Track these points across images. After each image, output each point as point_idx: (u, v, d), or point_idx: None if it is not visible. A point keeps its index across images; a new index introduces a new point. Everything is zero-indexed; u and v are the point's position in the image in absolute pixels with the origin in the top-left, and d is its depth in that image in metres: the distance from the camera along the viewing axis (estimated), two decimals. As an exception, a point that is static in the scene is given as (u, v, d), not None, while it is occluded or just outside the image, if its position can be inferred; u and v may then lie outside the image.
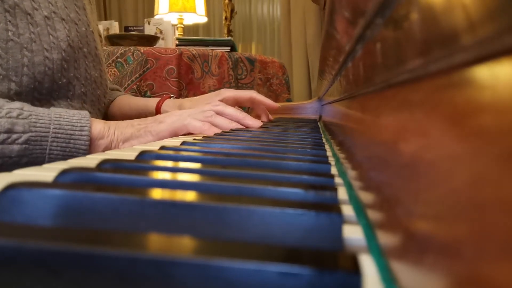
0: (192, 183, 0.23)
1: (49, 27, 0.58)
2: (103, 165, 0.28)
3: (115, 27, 2.00)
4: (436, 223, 0.11)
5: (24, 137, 0.47)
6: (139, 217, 0.18)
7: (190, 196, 0.19)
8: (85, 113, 0.53)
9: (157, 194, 0.20)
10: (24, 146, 0.47)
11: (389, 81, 0.21)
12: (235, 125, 0.66)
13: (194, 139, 0.50)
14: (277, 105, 0.89)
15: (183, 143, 0.45)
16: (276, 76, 1.77)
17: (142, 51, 1.48)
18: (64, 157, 0.50)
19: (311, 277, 0.12)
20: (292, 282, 0.12)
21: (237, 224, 0.17)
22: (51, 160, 0.50)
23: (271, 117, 0.95)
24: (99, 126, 0.54)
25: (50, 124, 0.50)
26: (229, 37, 2.03)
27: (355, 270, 0.13)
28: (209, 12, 3.16)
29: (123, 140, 0.55)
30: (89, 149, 0.52)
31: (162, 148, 0.38)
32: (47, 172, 0.25)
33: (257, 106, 0.89)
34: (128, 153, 0.35)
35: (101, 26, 1.88)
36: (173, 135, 0.57)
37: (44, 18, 0.57)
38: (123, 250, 0.13)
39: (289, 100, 1.80)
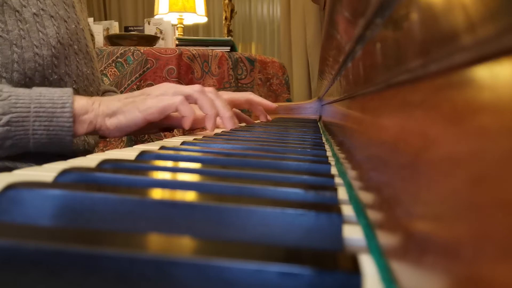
0: (192, 183, 0.23)
1: (38, 24, 0.58)
2: (103, 165, 0.28)
3: (115, 27, 2.00)
4: (436, 223, 0.11)
5: (5, 118, 0.47)
6: (139, 217, 0.18)
7: (190, 196, 0.19)
8: (68, 89, 0.52)
9: (157, 194, 0.20)
10: (6, 128, 0.47)
11: (389, 81, 0.21)
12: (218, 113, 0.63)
13: (194, 139, 0.50)
14: (274, 105, 0.89)
15: (183, 143, 0.45)
16: (276, 76, 1.77)
17: (142, 51, 1.48)
18: (49, 136, 0.49)
19: (311, 277, 0.12)
20: (292, 282, 0.12)
21: (237, 224, 0.17)
22: (36, 140, 0.49)
23: (269, 117, 0.95)
24: (82, 101, 0.52)
25: (31, 103, 0.48)
26: (229, 37, 2.03)
27: (355, 270, 0.13)
28: (209, 12, 3.16)
29: (109, 115, 0.53)
30: (74, 126, 0.51)
31: (162, 148, 0.38)
32: (47, 172, 0.25)
33: (255, 107, 0.89)
34: (128, 153, 0.35)
35: (101, 26, 1.88)
36: (161, 113, 0.55)
37: (32, 15, 0.57)
38: (123, 250, 0.13)
39: (289, 100, 1.80)
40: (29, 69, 0.56)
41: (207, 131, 0.61)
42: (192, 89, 0.58)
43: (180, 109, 0.55)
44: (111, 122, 0.53)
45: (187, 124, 0.56)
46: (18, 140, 0.48)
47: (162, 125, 0.63)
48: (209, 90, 0.63)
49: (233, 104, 0.82)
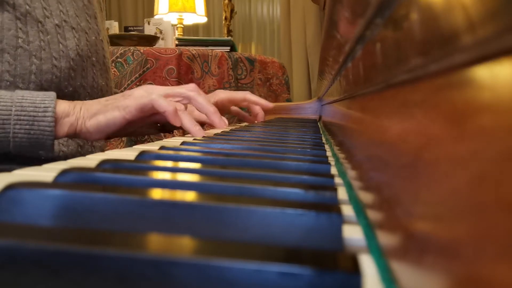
0: (192, 183, 0.23)
1: (59, 35, 0.58)
2: (103, 165, 0.28)
3: (115, 27, 2.00)
4: (436, 223, 0.11)
5: None
6: (139, 217, 0.18)
7: (190, 196, 0.19)
8: (51, 93, 0.51)
9: (157, 194, 0.20)
10: None
11: (389, 81, 0.21)
12: (204, 118, 0.63)
13: (194, 139, 0.50)
14: (271, 105, 0.89)
15: (183, 143, 0.45)
16: (276, 76, 1.77)
17: (142, 51, 1.48)
18: (30, 140, 0.49)
19: (311, 277, 0.12)
20: (292, 282, 0.12)
21: (237, 224, 0.17)
22: (16, 143, 0.49)
23: (270, 107, 0.94)
24: (63, 105, 0.52)
25: (12, 106, 0.48)
26: (229, 37, 2.03)
27: (355, 270, 0.13)
28: (209, 12, 3.16)
29: (89, 117, 0.53)
30: (55, 129, 0.50)
31: (162, 148, 0.38)
32: (47, 172, 0.25)
33: (252, 106, 0.89)
34: (128, 153, 0.35)
35: (101, 26, 1.88)
36: (139, 111, 0.54)
37: (55, 26, 0.57)
38: (123, 250, 0.13)
39: (289, 100, 1.80)
40: (46, 80, 0.56)
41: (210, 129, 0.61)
42: (186, 88, 0.58)
43: (156, 105, 0.54)
44: (90, 124, 0.53)
45: (172, 118, 0.54)
46: None
47: (152, 123, 0.61)
48: (189, 94, 0.61)
49: (230, 102, 0.83)
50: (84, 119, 0.53)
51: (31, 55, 0.55)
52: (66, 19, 0.59)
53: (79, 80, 0.61)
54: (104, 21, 0.77)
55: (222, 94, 0.80)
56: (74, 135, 0.53)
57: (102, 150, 0.71)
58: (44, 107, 0.49)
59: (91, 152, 0.66)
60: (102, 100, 0.56)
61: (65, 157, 0.61)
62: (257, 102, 0.87)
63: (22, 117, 0.48)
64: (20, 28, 0.54)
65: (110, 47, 1.51)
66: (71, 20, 0.60)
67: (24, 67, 0.54)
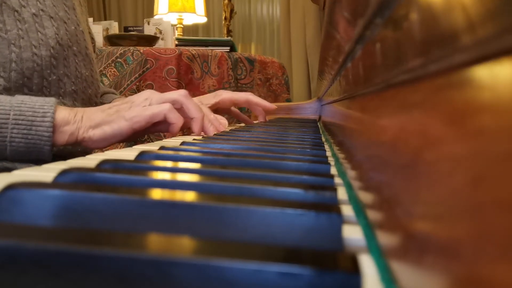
0: (192, 183, 0.23)
1: (37, 24, 0.58)
2: (102, 165, 0.28)
3: (114, 27, 2.00)
4: (435, 224, 0.11)
5: None
6: (138, 217, 0.18)
7: (190, 196, 0.19)
8: (51, 99, 0.51)
9: (156, 194, 0.20)
10: None
11: (388, 81, 0.21)
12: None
13: (194, 139, 0.50)
14: (273, 106, 0.90)
15: (183, 143, 0.45)
16: (276, 76, 1.77)
17: (141, 51, 1.48)
18: (27, 145, 0.48)
19: (311, 277, 0.12)
20: (292, 282, 0.12)
21: (237, 224, 0.17)
22: (13, 148, 0.48)
23: (267, 118, 0.95)
24: (64, 112, 0.51)
25: (10, 110, 0.48)
26: (229, 37, 2.03)
27: (355, 270, 0.13)
28: (208, 12, 3.16)
29: (93, 126, 0.52)
30: (53, 136, 0.50)
31: (162, 148, 0.38)
32: (46, 172, 0.25)
33: (254, 108, 0.90)
34: (128, 153, 0.35)
35: (101, 26, 1.88)
36: (149, 122, 0.54)
37: (32, 15, 0.57)
38: (123, 250, 0.13)
39: (288, 100, 1.80)
40: (27, 68, 0.56)
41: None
42: (177, 95, 0.58)
43: (168, 116, 0.55)
44: (94, 133, 0.52)
45: (175, 131, 0.55)
46: None
47: (148, 132, 0.62)
48: (180, 99, 0.60)
49: (232, 103, 0.83)
50: (86, 128, 0.52)
51: (9, 43, 0.55)
52: (44, 8, 0.59)
53: (61, 69, 0.61)
54: (86, 16, 0.77)
55: (225, 94, 0.80)
56: (74, 143, 0.53)
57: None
58: (43, 112, 0.49)
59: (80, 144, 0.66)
60: (105, 107, 0.55)
61: (57, 149, 0.61)
62: (260, 104, 0.87)
63: (20, 122, 0.48)
64: None
65: (110, 47, 1.52)
66: (48, 9, 0.60)
67: (4, 55, 0.54)
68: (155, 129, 0.61)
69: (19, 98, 0.50)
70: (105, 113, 0.54)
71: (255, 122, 0.94)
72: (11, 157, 0.49)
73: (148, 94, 0.57)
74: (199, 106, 0.60)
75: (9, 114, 0.48)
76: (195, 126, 0.58)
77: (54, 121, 0.50)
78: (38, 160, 0.50)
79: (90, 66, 0.70)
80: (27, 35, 0.56)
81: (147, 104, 0.56)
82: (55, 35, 0.60)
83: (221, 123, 0.65)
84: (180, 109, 0.58)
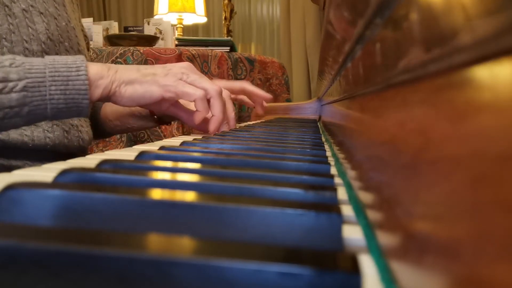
0: (192, 183, 0.23)
1: (27, 19, 0.58)
2: (102, 165, 0.28)
3: (114, 27, 2.00)
4: (435, 224, 0.11)
5: (21, 84, 0.46)
6: (138, 217, 0.18)
7: (190, 196, 0.19)
8: (80, 56, 0.51)
9: (156, 194, 0.20)
10: (22, 93, 0.46)
11: (388, 81, 0.21)
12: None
13: (194, 139, 0.50)
14: (269, 95, 0.89)
15: (183, 143, 0.45)
16: (276, 76, 1.77)
17: (141, 51, 1.48)
18: (66, 101, 0.48)
19: (311, 277, 0.12)
20: (292, 282, 0.12)
21: (237, 224, 0.17)
22: (53, 105, 0.48)
23: (266, 104, 0.94)
24: (96, 67, 0.52)
25: (45, 68, 0.48)
26: (229, 37, 2.03)
27: (354, 270, 0.13)
28: (208, 12, 3.16)
29: (126, 82, 0.52)
30: (90, 90, 0.50)
31: (162, 148, 0.38)
32: (46, 173, 0.25)
33: (250, 97, 0.89)
34: (128, 153, 0.35)
35: (101, 26, 1.88)
36: (179, 97, 0.55)
37: (22, 10, 0.58)
38: (123, 250, 0.13)
39: (288, 100, 1.80)
40: None
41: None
42: (212, 87, 0.57)
43: (198, 103, 0.55)
44: (126, 89, 0.52)
45: (198, 119, 0.56)
46: (35, 107, 0.47)
47: (168, 112, 0.62)
48: (225, 93, 0.63)
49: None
50: (119, 83, 0.52)
51: (1, 38, 0.55)
52: (33, 4, 0.59)
53: None
54: (78, 14, 0.77)
55: (220, 83, 0.80)
56: (106, 98, 0.53)
57: (90, 137, 0.71)
58: (76, 66, 0.49)
59: (78, 138, 0.66)
60: (141, 67, 0.55)
61: (53, 144, 0.61)
62: (255, 92, 0.86)
63: (56, 78, 0.48)
64: None
65: (110, 47, 1.51)
66: (38, 5, 0.60)
67: None
68: (176, 111, 0.61)
69: (49, 57, 0.50)
70: (140, 73, 0.54)
71: (257, 111, 0.93)
72: (52, 116, 0.49)
73: (186, 67, 0.57)
74: (224, 106, 0.60)
75: (45, 72, 0.47)
76: (212, 125, 0.59)
77: (88, 75, 0.50)
78: (78, 115, 0.50)
79: None
80: (18, 30, 0.56)
81: (184, 78, 0.56)
82: (46, 30, 0.60)
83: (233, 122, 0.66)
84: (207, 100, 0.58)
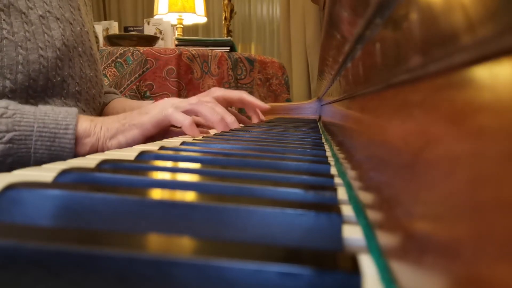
0: (192, 183, 0.23)
1: (44, 26, 0.58)
2: (102, 165, 0.28)
3: (114, 27, 2.00)
4: (435, 224, 0.11)
5: (8, 136, 0.47)
6: (138, 217, 0.18)
7: (189, 196, 0.19)
8: (73, 110, 0.52)
9: (156, 194, 0.20)
10: (8, 145, 0.47)
11: (388, 81, 0.21)
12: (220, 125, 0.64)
13: (194, 139, 0.50)
14: (267, 106, 0.88)
15: (183, 143, 0.45)
16: (276, 76, 1.77)
17: (141, 51, 1.48)
18: (50, 156, 0.50)
19: (311, 277, 0.12)
20: (292, 282, 0.12)
21: (237, 224, 0.17)
22: (37, 159, 0.49)
23: (262, 117, 0.94)
24: (85, 124, 0.53)
25: (35, 123, 0.49)
26: (229, 37, 2.03)
27: (354, 270, 0.13)
28: (208, 12, 3.16)
29: (110, 137, 0.54)
30: (75, 148, 0.51)
31: (162, 148, 0.38)
32: (46, 173, 0.25)
33: (247, 107, 0.89)
34: (128, 153, 0.35)
35: (101, 26, 1.88)
36: (156, 127, 0.56)
37: (39, 17, 0.58)
38: (123, 250, 0.13)
39: (288, 100, 1.80)
40: (33, 70, 0.56)
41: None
42: (188, 102, 0.59)
43: (172, 119, 0.56)
44: (111, 144, 0.54)
45: (189, 130, 0.57)
46: (19, 158, 0.49)
47: (168, 136, 0.63)
48: (207, 100, 0.64)
49: (226, 102, 0.82)
50: (104, 139, 0.54)
51: (16, 45, 0.55)
52: (50, 10, 0.60)
53: (66, 70, 0.62)
54: (91, 16, 0.78)
55: (218, 92, 0.80)
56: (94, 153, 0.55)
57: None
58: (66, 124, 0.51)
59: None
60: (120, 117, 0.57)
61: None
62: (253, 103, 0.86)
63: (43, 134, 0.49)
64: (4, 20, 0.54)
65: (109, 47, 1.52)
66: (55, 11, 0.60)
67: (11, 57, 0.55)
68: (173, 132, 0.63)
69: (42, 109, 0.51)
70: (120, 123, 0.56)
71: (253, 122, 0.93)
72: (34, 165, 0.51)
73: (163, 104, 0.59)
74: (213, 109, 0.61)
75: (33, 126, 0.49)
76: (218, 130, 0.61)
77: (76, 133, 0.51)
78: None
79: (95, 66, 0.70)
80: (34, 37, 0.57)
81: (171, 108, 0.58)
82: (61, 36, 0.60)
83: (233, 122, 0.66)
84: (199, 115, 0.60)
